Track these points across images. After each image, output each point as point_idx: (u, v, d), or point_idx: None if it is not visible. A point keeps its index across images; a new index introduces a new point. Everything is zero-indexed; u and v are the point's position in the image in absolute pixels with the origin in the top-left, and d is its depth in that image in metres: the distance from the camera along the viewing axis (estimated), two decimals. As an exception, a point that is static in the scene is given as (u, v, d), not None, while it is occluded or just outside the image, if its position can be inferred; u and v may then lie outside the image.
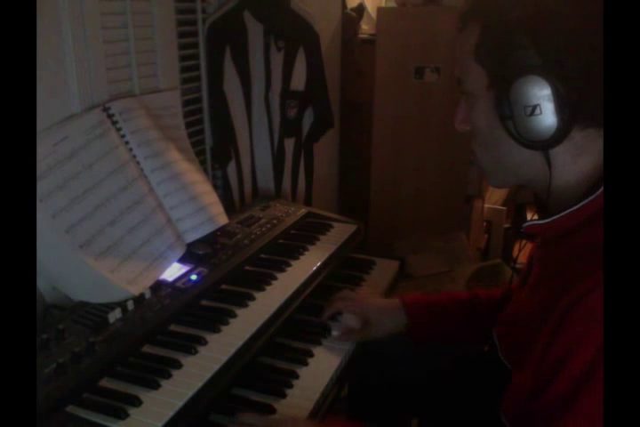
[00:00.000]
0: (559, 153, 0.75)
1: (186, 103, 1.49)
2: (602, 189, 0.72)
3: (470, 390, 1.10)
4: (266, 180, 1.82)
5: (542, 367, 0.72)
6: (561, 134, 0.72)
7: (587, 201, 0.74)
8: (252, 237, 1.32)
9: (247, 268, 1.24)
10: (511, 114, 0.73)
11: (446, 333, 1.14)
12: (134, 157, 1.16)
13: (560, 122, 0.71)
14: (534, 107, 0.71)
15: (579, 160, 0.76)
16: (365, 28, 2.47)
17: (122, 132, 1.15)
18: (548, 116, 0.71)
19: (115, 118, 1.14)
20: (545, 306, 0.73)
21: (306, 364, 1.04)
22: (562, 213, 0.76)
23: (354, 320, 1.15)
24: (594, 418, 0.64)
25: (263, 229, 1.37)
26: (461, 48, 0.79)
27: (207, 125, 1.58)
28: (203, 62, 1.52)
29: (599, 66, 0.68)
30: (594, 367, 0.65)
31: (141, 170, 1.17)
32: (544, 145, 0.73)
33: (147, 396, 0.84)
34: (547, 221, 0.78)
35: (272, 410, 0.92)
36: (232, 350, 0.95)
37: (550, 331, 0.71)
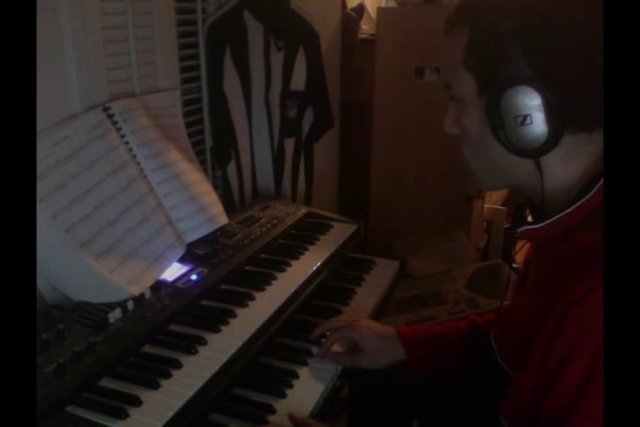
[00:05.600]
0: (550, 158, 0.75)
1: (186, 103, 1.49)
2: (594, 190, 0.72)
3: (470, 393, 1.09)
4: (266, 180, 1.82)
5: (543, 370, 0.72)
6: (552, 142, 0.72)
7: (579, 203, 0.74)
8: (252, 237, 1.32)
9: (247, 268, 1.24)
10: (502, 123, 0.73)
11: (445, 367, 1.08)
12: (134, 157, 1.16)
13: (551, 131, 0.71)
14: (525, 117, 0.71)
15: (569, 164, 0.76)
16: (365, 28, 2.47)
17: (122, 132, 1.15)
18: (538, 126, 0.71)
19: (115, 118, 1.15)
20: (543, 309, 0.73)
21: (306, 364, 1.04)
22: (555, 217, 0.76)
23: (340, 344, 1.08)
24: (600, 419, 0.63)
25: (263, 229, 1.37)
26: (450, 54, 0.78)
27: (207, 125, 1.58)
28: (203, 62, 1.52)
29: (590, 73, 0.68)
30: (595, 368, 0.65)
31: (141, 170, 1.17)
32: (535, 153, 0.73)
33: (147, 396, 0.84)
34: (540, 225, 0.78)
35: (272, 410, 0.92)
36: (232, 350, 0.95)
37: (549, 333, 0.70)
